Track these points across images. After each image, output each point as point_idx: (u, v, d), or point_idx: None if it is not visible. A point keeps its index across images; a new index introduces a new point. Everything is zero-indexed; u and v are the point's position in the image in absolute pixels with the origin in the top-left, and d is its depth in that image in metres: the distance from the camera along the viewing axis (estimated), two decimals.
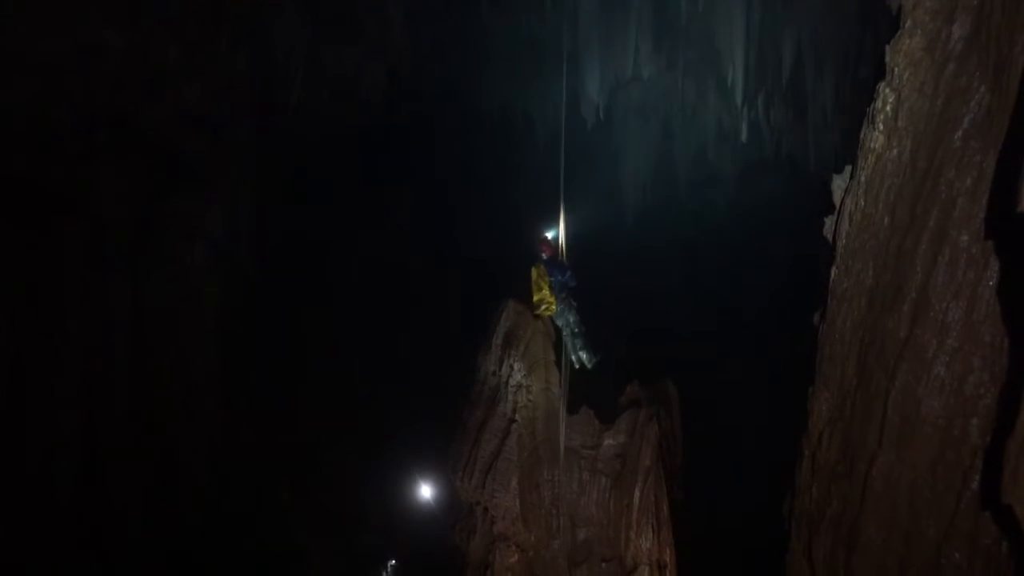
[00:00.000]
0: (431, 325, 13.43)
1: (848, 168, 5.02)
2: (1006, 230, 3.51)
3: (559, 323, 7.73)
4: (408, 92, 15.07)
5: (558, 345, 8.80)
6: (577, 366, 7.77)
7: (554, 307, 7.37)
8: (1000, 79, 3.75)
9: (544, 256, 7.43)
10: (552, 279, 7.30)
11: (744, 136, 13.60)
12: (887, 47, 4.47)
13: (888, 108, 4.47)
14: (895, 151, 4.38)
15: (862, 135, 4.75)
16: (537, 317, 8.74)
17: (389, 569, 11.49)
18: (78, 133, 11.22)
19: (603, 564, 8.00)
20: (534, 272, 7.41)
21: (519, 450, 8.44)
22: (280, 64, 13.49)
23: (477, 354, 9.08)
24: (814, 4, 11.66)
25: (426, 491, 10.04)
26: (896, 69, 4.41)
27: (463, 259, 14.42)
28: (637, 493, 8.04)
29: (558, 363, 8.70)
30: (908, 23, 4.36)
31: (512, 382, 8.66)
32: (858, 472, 4.26)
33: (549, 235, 7.64)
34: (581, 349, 7.61)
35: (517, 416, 8.56)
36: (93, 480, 10.87)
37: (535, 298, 7.41)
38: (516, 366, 8.68)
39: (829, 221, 5.10)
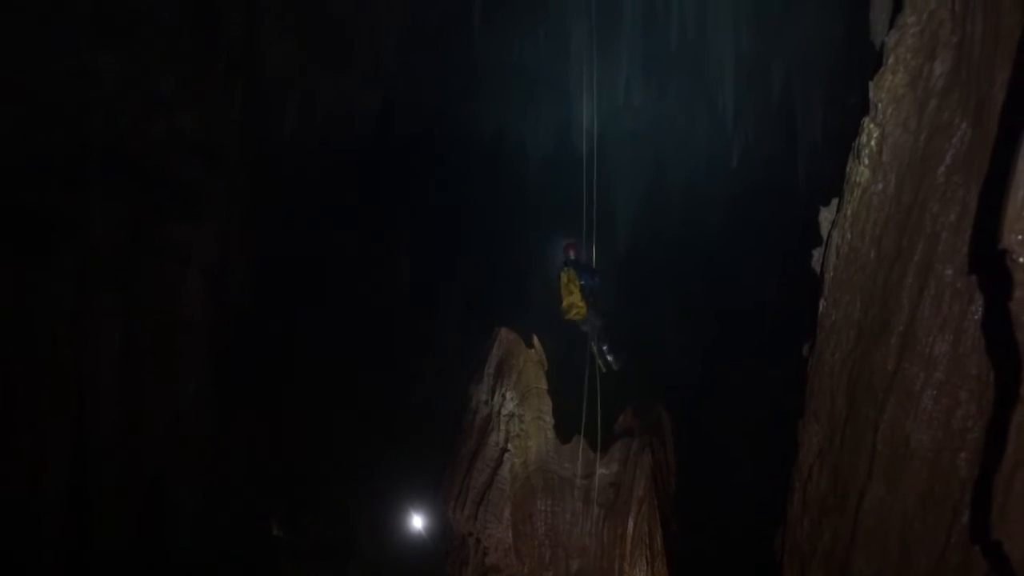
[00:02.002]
0: (424, 353, 13.40)
1: (835, 201, 5.07)
2: (989, 265, 3.54)
3: (585, 328, 7.42)
4: (402, 119, 15.20)
5: (551, 374, 8.80)
6: (604, 370, 7.63)
7: (584, 311, 7.05)
8: (981, 116, 3.80)
9: (572, 257, 7.14)
10: (582, 283, 7.01)
11: (735, 163, 13.75)
12: (871, 83, 4.54)
13: (873, 143, 4.52)
14: (880, 185, 4.43)
15: (848, 168, 4.80)
16: (532, 346, 8.79)
17: None
18: (71, 158, 11.27)
19: None
20: (563, 276, 7.05)
21: (511, 480, 8.38)
22: (274, 92, 13.60)
23: (469, 383, 9.04)
24: (802, 34, 11.88)
25: (417, 522, 9.95)
26: (880, 104, 4.47)
27: (457, 286, 14.44)
28: (631, 523, 7.96)
29: (550, 392, 8.68)
30: (891, 60, 4.43)
31: (504, 411, 8.61)
32: (849, 505, 4.25)
33: (572, 240, 7.41)
34: (609, 352, 7.44)
35: (509, 446, 8.50)
36: (81, 505, 10.77)
37: (564, 303, 7.04)
38: (508, 395, 8.63)
39: (817, 253, 5.13)
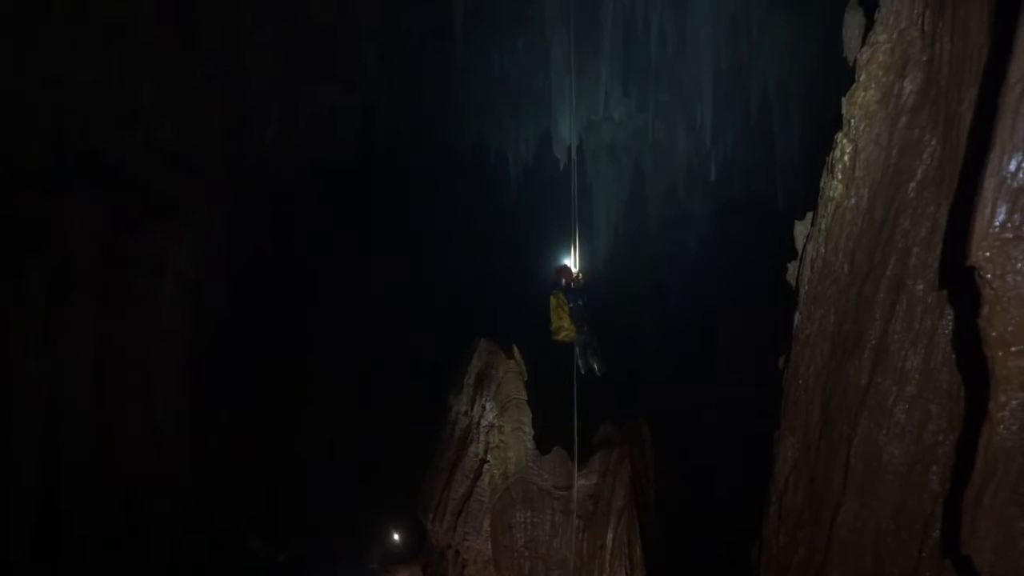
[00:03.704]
0: (404, 362, 13.33)
1: (810, 215, 5.12)
2: (959, 280, 3.58)
3: (574, 344, 7.76)
4: (383, 129, 15.18)
5: (531, 385, 8.78)
6: (583, 372, 7.80)
7: (574, 334, 7.41)
8: (950, 133, 3.86)
9: (563, 283, 7.49)
10: (571, 305, 7.36)
11: (713, 176, 13.85)
12: (843, 99, 4.60)
13: (846, 158, 4.58)
14: (853, 200, 4.48)
15: (822, 183, 4.86)
16: (512, 356, 8.79)
17: None
18: (47, 167, 11.12)
19: None
20: (553, 300, 7.42)
21: (491, 491, 8.34)
22: (255, 100, 13.52)
23: (448, 393, 9.01)
24: (779, 49, 12.02)
25: (397, 534, 9.88)
26: (853, 120, 4.53)
27: (436, 295, 14.41)
28: (610, 534, 7.95)
29: (530, 403, 8.67)
30: (863, 77, 4.49)
31: (484, 422, 8.59)
32: (823, 519, 4.26)
33: (565, 262, 7.77)
34: (592, 357, 7.68)
35: (489, 456, 8.47)
36: (53, 520, 10.56)
37: (554, 325, 7.41)
38: (488, 406, 8.61)
39: (792, 267, 5.17)
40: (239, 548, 11.98)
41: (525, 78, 14.29)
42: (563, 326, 7.35)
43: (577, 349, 7.71)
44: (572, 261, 7.79)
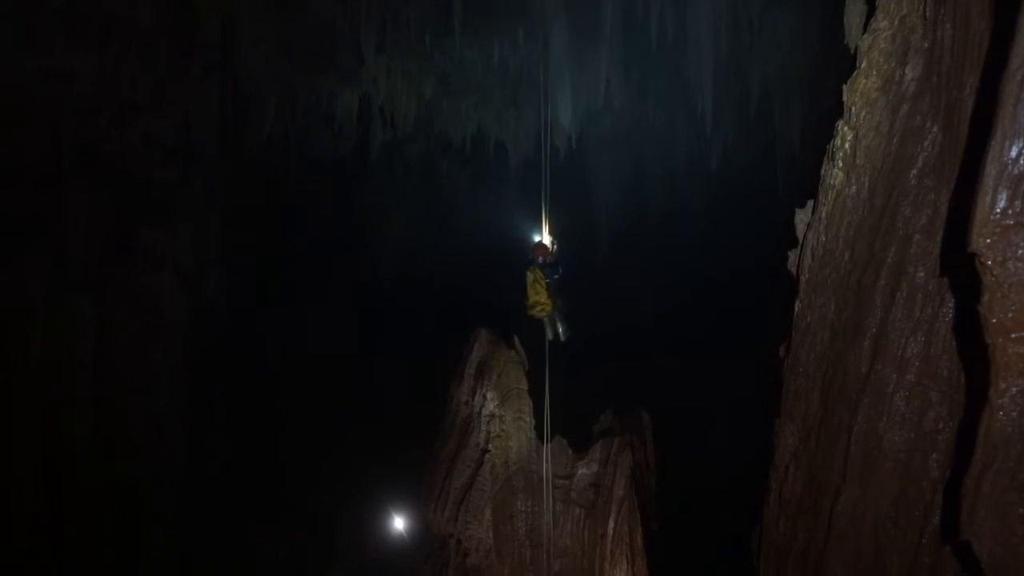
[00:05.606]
0: (405, 354, 13.35)
1: (810, 202, 5.12)
2: (959, 268, 3.58)
3: (544, 320, 7.79)
4: (381, 120, 15.14)
5: (531, 374, 8.80)
6: (551, 338, 7.86)
7: (550, 309, 7.49)
8: (951, 120, 3.85)
9: (540, 260, 7.53)
10: (548, 281, 7.40)
11: (714, 165, 13.81)
12: (844, 87, 4.59)
13: (847, 146, 4.57)
14: (854, 188, 4.47)
15: (823, 171, 4.85)
16: (512, 346, 8.81)
17: None
18: (44, 161, 11.08)
19: None
20: (530, 276, 7.54)
21: (492, 481, 8.37)
22: (253, 93, 13.48)
23: (449, 384, 9.02)
24: (780, 37, 11.96)
25: (399, 524, 9.92)
26: (853, 108, 4.51)
27: (436, 287, 14.41)
28: (611, 523, 7.98)
29: (531, 392, 8.69)
30: (864, 64, 4.47)
31: (485, 412, 8.60)
32: (823, 507, 4.28)
33: (541, 240, 7.81)
34: (560, 322, 7.74)
35: (490, 446, 8.49)
36: (51, 516, 10.59)
37: (531, 300, 7.52)
38: (489, 395, 8.62)
39: (793, 255, 5.17)
40: (239, 542, 12.02)
41: (524, 68, 14.21)
42: (540, 300, 7.42)
43: (546, 320, 7.78)
44: (544, 236, 7.87)
